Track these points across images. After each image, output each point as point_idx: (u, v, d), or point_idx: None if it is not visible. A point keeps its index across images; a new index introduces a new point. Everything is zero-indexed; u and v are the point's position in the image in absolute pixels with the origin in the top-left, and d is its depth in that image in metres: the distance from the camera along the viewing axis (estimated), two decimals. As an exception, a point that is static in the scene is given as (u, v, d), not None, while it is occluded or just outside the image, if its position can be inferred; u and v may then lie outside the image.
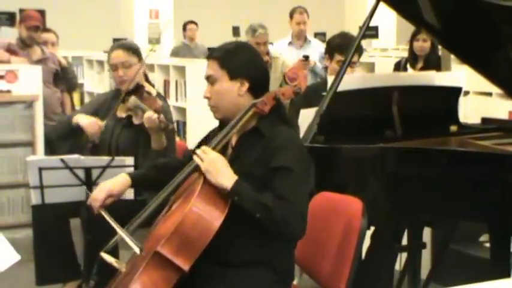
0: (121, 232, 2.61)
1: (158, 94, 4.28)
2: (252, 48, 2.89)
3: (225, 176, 2.55)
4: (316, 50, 6.91)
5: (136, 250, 2.52)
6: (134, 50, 4.13)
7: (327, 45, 4.72)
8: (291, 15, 7.06)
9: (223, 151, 2.72)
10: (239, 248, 2.64)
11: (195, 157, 2.63)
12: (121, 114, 4.02)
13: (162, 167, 3.04)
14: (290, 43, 7.07)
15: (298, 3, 7.32)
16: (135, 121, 3.95)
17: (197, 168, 2.62)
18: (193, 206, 2.51)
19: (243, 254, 2.64)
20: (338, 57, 4.39)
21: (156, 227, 2.75)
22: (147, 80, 4.28)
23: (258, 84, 2.71)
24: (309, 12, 7.08)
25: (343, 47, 4.35)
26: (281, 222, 2.49)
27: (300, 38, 7.03)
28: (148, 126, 3.79)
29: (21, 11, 7.18)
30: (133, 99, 3.94)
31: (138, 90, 4.04)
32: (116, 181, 2.91)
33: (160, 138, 3.82)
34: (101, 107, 4.21)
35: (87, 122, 4.02)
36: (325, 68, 4.71)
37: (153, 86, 4.32)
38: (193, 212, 2.51)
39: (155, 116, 3.73)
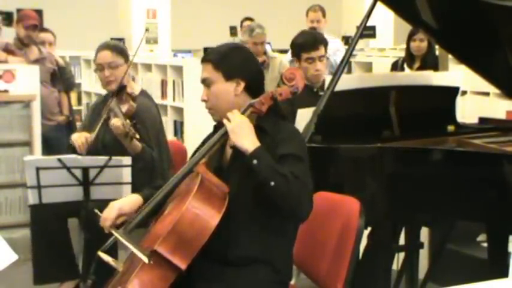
0: (133, 248, 2.58)
1: (142, 92, 4.26)
2: (245, 48, 2.91)
3: (248, 139, 2.56)
4: (333, 45, 6.81)
5: (145, 260, 2.49)
6: (121, 51, 4.12)
7: (291, 48, 4.72)
8: (306, 14, 7.02)
9: (221, 151, 2.74)
10: (237, 247, 2.64)
11: (224, 120, 2.63)
12: (104, 114, 4.02)
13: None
14: None
15: (297, 3, 7.31)
16: (110, 124, 3.95)
17: (226, 134, 2.63)
18: (190, 205, 2.52)
19: (242, 253, 2.64)
20: (305, 55, 4.40)
21: (153, 226, 2.75)
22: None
23: (254, 83, 2.73)
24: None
25: (306, 45, 4.40)
26: (294, 198, 2.50)
27: None
28: (115, 133, 3.78)
29: (18, 10, 7.19)
30: (113, 101, 3.94)
31: (120, 90, 4.03)
32: (127, 200, 2.88)
33: (130, 144, 3.80)
34: (93, 114, 4.21)
35: (75, 137, 4.00)
36: None
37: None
38: (190, 211, 2.52)
39: (119, 122, 3.72)
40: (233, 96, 2.70)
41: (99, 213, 2.82)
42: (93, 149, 3.97)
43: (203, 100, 2.76)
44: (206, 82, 2.74)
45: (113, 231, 2.72)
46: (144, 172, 3.85)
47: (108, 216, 2.78)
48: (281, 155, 2.59)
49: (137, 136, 3.72)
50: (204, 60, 2.77)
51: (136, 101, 3.99)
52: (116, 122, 3.76)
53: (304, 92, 3.93)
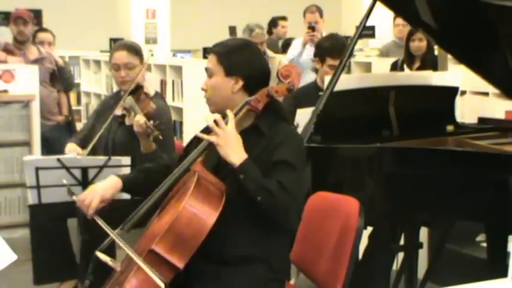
0: (113, 236, 2.62)
1: (156, 94, 4.28)
2: (255, 47, 2.90)
3: (235, 152, 2.58)
4: None
5: (130, 253, 2.52)
6: (137, 51, 4.13)
7: (316, 48, 4.68)
8: (304, 14, 6.97)
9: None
10: (234, 246, 2.64)
11: (200, 134, 2.65)
12: (117, 112, 4.02)
13: (148, 171, 3.02)
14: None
15: (296, 3, 7.28)
16: (127, 122, 3.96)
17: (209, 145, 2.64)
18: (187, 204, 2.52)
19: (238, 252, 2.65)
20: (330, 61, 4.38)
21: (150, 225, 2.75)
22: None
23: (254, 83, 2.72)
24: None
25: (334, 51, 4.37)
26: (281, 211, 2.54)
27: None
28: (135, 131, 3.78)
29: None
30: (129, 99, 3.94)
31: (137, 90, 4.04)
32: (107, 185, 2.89)
33: (147, 143, 3.80)
34: (102, 112, 4.20)
35: (69, 148, 4.04)
36: (315, 71, 4.68)
37: None
38: (187, 210, 2.52)
39: (143, 121, 3.71)
40: (230, 92, 2.72)
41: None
42: (102, 148, 3.98)
43: (202, 89, 2.79)
44: (208, 72, 2.77)
45: (96, 219, 2.77)
46: None
47: (90, 203, 2.80)
48: (276, 160, 2.60)
49: (160, 137, 3.70)
50: (212, 51, 2.80)
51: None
52: (140, 119, 3.75)
53: (316, 94, 3.94)
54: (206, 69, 2.78)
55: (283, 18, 9.61)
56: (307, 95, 4.21)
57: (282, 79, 2.73)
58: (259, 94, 2.68)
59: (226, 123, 2.61)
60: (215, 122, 2.62)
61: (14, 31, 6.18)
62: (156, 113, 3.94)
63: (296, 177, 2.60)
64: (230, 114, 2.63)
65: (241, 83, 2.71)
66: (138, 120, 3.75)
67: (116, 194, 2.89)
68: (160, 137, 3.71)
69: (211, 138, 2.61)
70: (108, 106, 4.18)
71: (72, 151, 3.98)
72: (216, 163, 2.74)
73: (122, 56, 4.07)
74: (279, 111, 2.77)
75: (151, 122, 3.72)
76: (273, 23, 9.41)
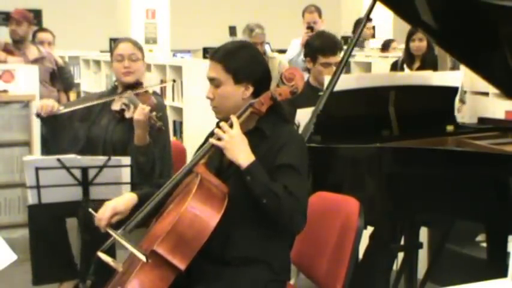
0: (129, 247, 2.59)
1: (154, 92, 4.29)
2: (255, 48, 2.87)
3: (242, 153, 2.57)
4: None
5: (143, 259, 2.50)
6: (140, 47, 4.18)
7: (306, 47, 4.64)
8: (303, 14, 6.96)
9: (221, 152, 2.74)
10: (235, 247, 2.65)
11: (211, 140, 2.64)
12: (115, 107, 4.02)
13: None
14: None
15: (297, 3, 7.27)
16: (127, 115, 3.95)
17: (212, 147, 2.64)
18: (189, 205, 2.52)
19: (239, 253, 2.65)
20: (322, 59, 4.34)
21: (152, 226, 2.75)
22: None
23: (262, 87, 2.71)
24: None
25: (325, 48, 4.34)
26: (286, 215, 2.54)
27: None
28: (136, 119, 3.76)
29: (17, 11, 7.19)
30: (129, 93, 3.96)
31: (136, 86, 4.05)
32: (122, 199, 2.89)
33: (143, 135, 3.80)
34: (96, 104, 4.18)
35: (44, 100, 4.07)
36: (307, 70, 4.65)
37: None
38: (190, 211, 2.52)
39: (147, 109, 3.73)
40: (240, 99, 2.69)
41: (94, 213, 2.83)
42: (101, 148, 3.98)
43: (208, 98, 2.74)
44: (214, 82, 2.71)
45: (110, 231, 2.73)
46: (142, 170, 3.86)
47: (102, 216, 2.80)
48: (280, 164, 2.60)
49: (163, 128, 3.75)
50: (214, 59, 2.72)
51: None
52: (145, 108, 3.75)
53: (309, 93, 3.94)
54: (211, 79, 2.71)
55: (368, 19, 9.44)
56: (301, 95, 4.20)
57: (285, 82, 2.73)
58: (262, 97, 2.67)
59: (231, 126, 2.61)
60: (219, 127, 2.61)
61: (9, 31, 6.21)
62: (157, 107, 3.95)
63: (301, 181, 2.60)
64: (233, 117, 2.63)
65: (251, 89, 2.69)
66: (144, 108, 3.75)
67: (130, 208, 2.86)
68: (163, 128, 3.76)
69: (218, 143, 2.60)
70: (105, 101, 4.16)
71: (48, 101, 3.99)
72: (219, 165, 2.74)
73: (127, 47, 4.10)
74: (281, 113, 2.76)
75: (154, 113, 3.74)
76: (360, 24, 9.23)
